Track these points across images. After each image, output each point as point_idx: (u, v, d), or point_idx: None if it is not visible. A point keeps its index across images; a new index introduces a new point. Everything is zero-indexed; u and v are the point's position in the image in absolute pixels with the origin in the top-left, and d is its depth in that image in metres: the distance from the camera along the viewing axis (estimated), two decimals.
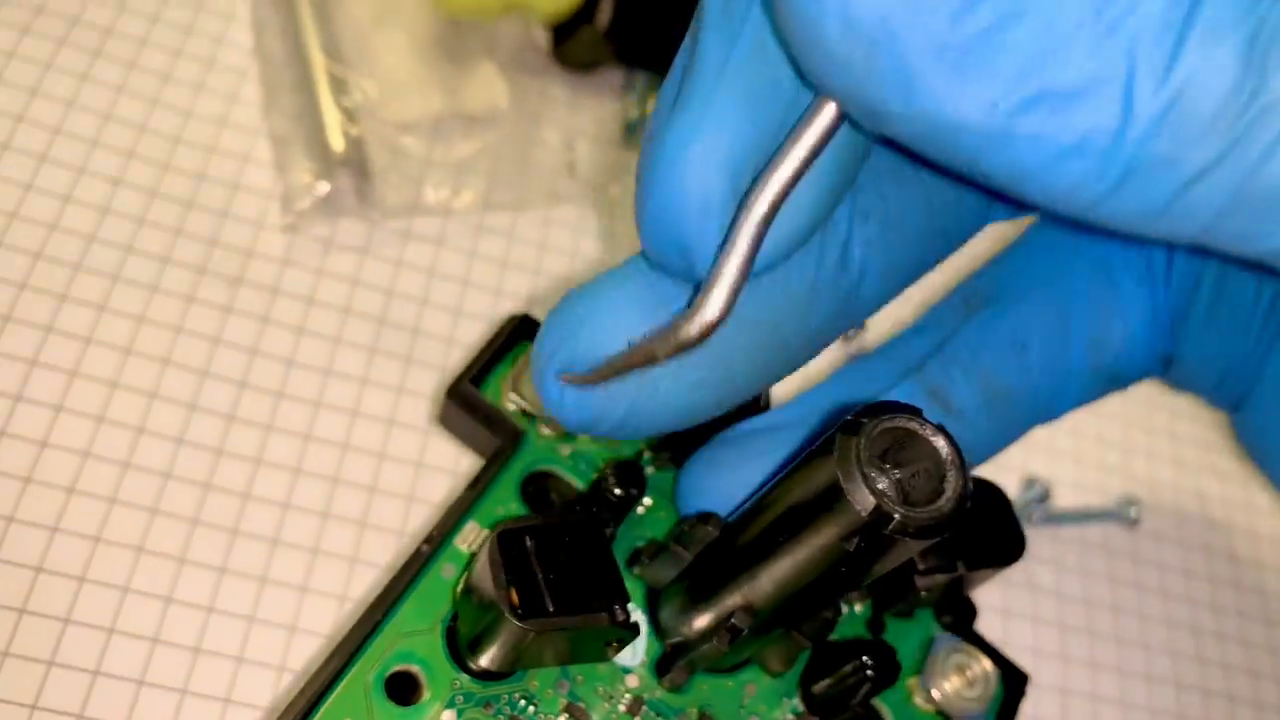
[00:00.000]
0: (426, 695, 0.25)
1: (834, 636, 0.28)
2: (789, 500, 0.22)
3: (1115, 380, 0.30)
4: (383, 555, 0.33)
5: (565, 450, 0.29)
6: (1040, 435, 0.43)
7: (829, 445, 0.20)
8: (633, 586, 0.28)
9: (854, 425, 0.20)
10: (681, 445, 0.30)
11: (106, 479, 0.32)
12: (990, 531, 0.29)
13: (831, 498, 0.20)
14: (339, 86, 0.38)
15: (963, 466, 0.20)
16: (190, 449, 0.33)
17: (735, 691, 0.28)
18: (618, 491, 0.28)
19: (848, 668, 0.27)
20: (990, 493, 0.29)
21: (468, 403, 0.30)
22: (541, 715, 0.26)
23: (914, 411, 0.20)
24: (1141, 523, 0.43)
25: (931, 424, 0.20)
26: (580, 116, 0.43)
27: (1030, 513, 0.41)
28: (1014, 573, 0.40)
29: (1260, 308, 0.26)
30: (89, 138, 0.37)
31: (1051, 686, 0.38)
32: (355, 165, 0.37)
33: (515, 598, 0.23)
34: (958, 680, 0.30)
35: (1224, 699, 0.40)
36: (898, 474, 0.20)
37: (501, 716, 0.26)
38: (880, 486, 0.20)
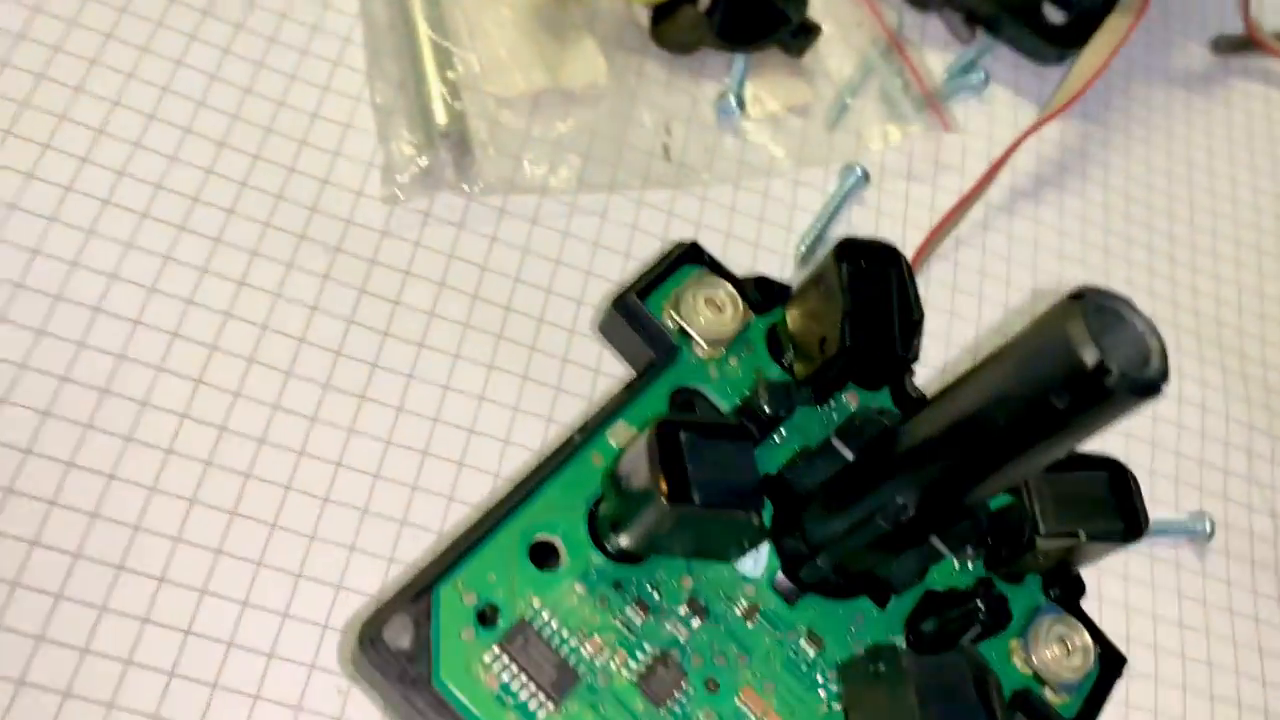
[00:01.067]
0: (564, 565, 0.27)
1: (942, 588, 0.31)
2: (995, 376, 0.24)
3: None
4: None
5: (714, 372, 0.31)
6: (1115, 446, 0.43)
7: (1045, 318, 0.22)
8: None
9: (1078, 294, 0.22)
10: (828, 388, 0.31)
11: (203, 441, 0.32)
12: (1114, 508, 0.30)
13: (1052, 354, 0.22)
14: (443, 59, 0.38)
15: (1164, 353, 0.22)
16: (284, 415, 0.34)
17: (844, 618, 0.30)
18: (767, 410, 0.29)
19: (958, 611, 0.29)
20: (1116, 470, 0.30)
21: (631, 313, 0.32)
22: (665, 604, 0.28)
23: (1127, 300, 0.22)
24: (1213, 539, 0.43)
25: (1140, 313, 0.22)
26: (677, 98, 0.43)
27: None
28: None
29: None
30: (195, 98, 0.37)
31: (1114, 700, 0.38)
32: (456, 138, 0.37)
33: (664, 483, 0.25)
34: (1058, 649, 0.31)
35: None
36: (1117, 351, 0.22)
37: (629, 596, 0.28)
38: (1109, 356, 0.21)
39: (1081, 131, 0.50)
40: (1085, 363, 0.21)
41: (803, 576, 0.29)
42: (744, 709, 0.28)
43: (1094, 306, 0.22)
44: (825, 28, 0.45)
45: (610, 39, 0.42)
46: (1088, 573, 0.40)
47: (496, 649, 0.26)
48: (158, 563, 0.31)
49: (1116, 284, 0.47)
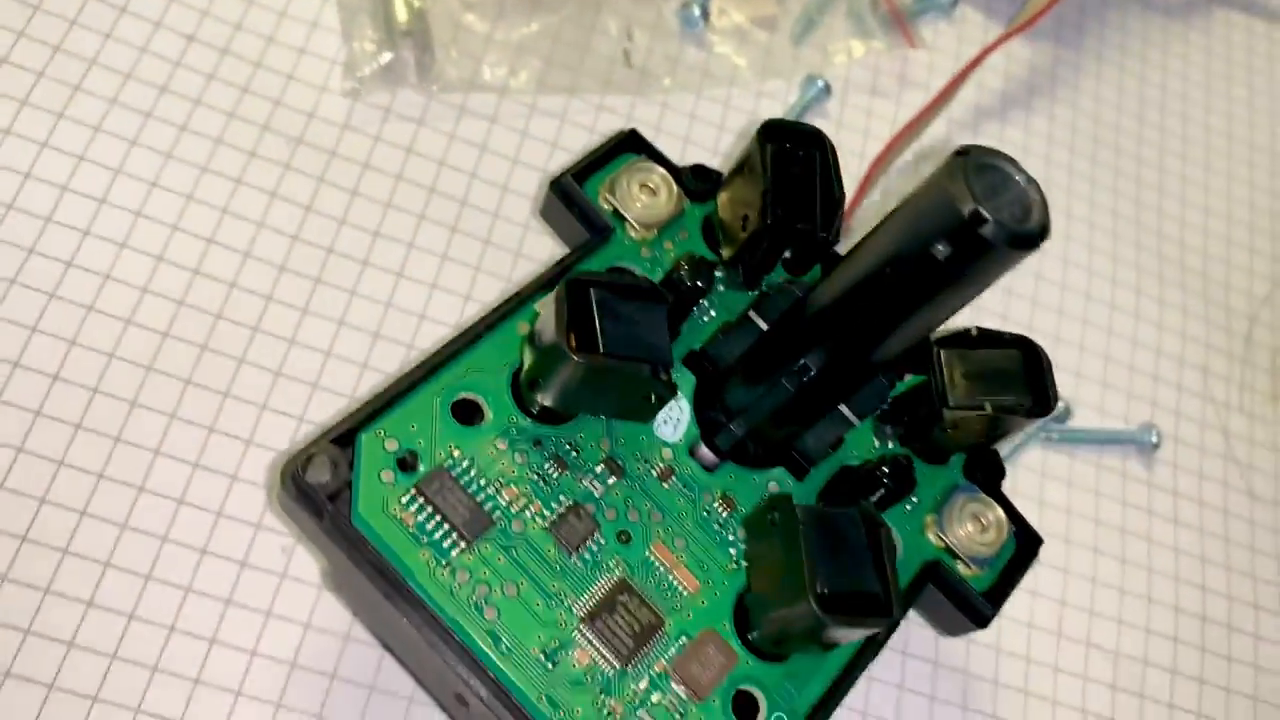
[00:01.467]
0: (486, 421, 0.29)
1: (859, 462, 0.31)
2: (890, 231, 0.24)
3: None
4: None
5: (646, 252, 0.32)
6: (1068, 358, 0.44)
7: (932, 175, 0.23)
8: (684, 381, 0.31)
9: (963, 151, 0.23)
10: (755, 270, 0.32)
11: (162, 315, 0.34)
12: (1023, 384, 0.30)
13: (934, 207, 0.22)
14: None
15: (1045, 209, 0.23)
16: (241, 293, 0.35)
17: (759, 486, 0.31)
18: (686, 281, 0.30)
19: (865, 475, 0.30)
20: (1029, 348, 0.31)
21: (566, 194, 0.32)
22: (583, 461, 0.29)
23: (1010, 159, 0.23)
24: (1161, 450, 0.43)
25: (1024, 171, 0.23)
26: (641, 6, 0.44)
27: (1050, 432, 0.42)
28: (1025, 484, 0.41)
29: None
30: None
31: (1050, 597, 0.40)
32: (418, 37, 0.39)
33: (571, 335, 0.26)
34: (971, 526, 0.32)
35: (1222, 627, 0.41)
36: (1000, 208, 0.22)
37: (547, 453, 0.29)
38: (987, 206, 0.22)
39: (1052, 53, 0.50)
40: (962, 212, 0.22)
41: (719, 444, 0.30)
42: (654, 560, 0.29)
43: (976, 163, 0.23)
44: None
45: None
46: (1031, 477, 0.42)
47: (414, 491, 0.27)
48: (114, 424, 0.32)
49: (1080, 205, 0.47)
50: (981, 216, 0.22)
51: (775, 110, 0.44)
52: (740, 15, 0.45)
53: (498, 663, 0.26)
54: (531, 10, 0.42)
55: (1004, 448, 0.42)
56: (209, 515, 0.32)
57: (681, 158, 0.42)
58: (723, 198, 0.33)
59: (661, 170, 0.33)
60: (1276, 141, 0.52)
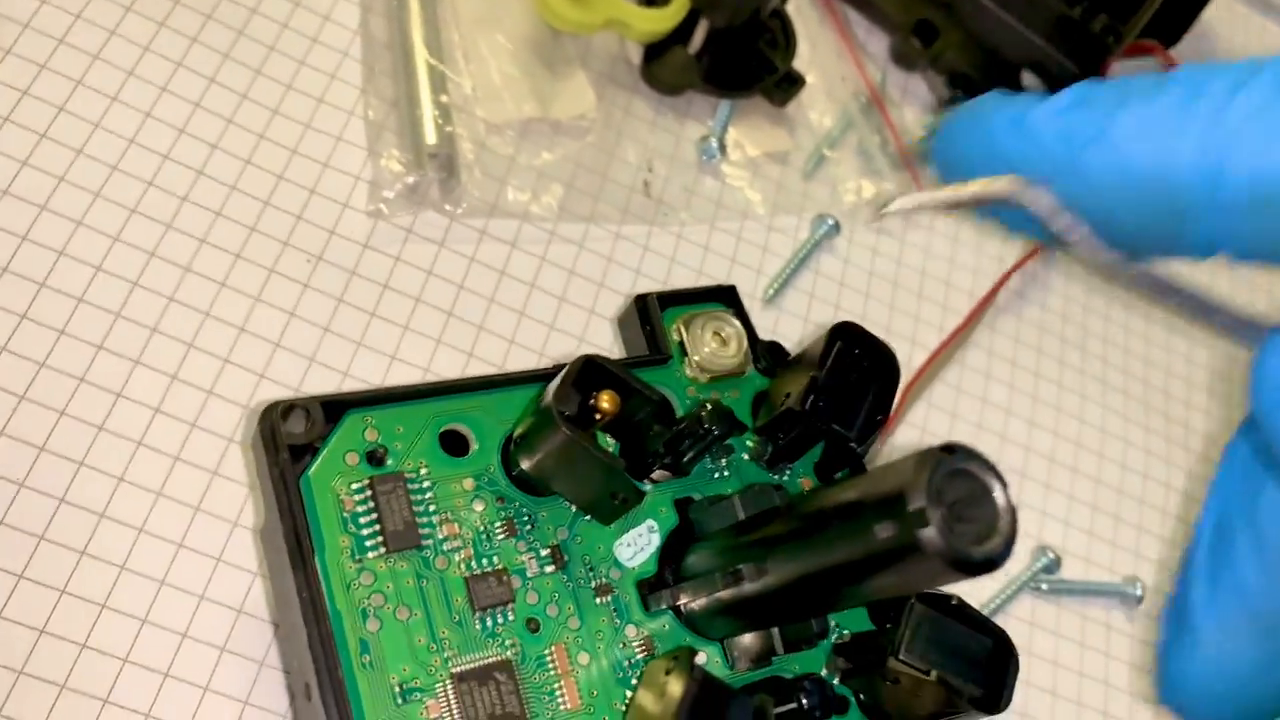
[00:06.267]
0: (467, 457, 0.29)
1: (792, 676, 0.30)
2: (855, 487, 0.24)
3: None
4: None
5: (692, 391, 0.33)
6: (1058, 507, 0.45)
7: (915, 456, 0.22)
8: (666, 518, 0.31)
9: (950, 448, 0.22)
10: (780, 453, 0.32)
11: (175, 437, 0.33)
12: (983, 673, 0.28)
13: (893, 494, 0.22)
14: (438, 81, 0.39)
15: (1009, 542, 0.21)
16: (255, 415, 0.34)
17: (686, 647, 0.30)
18: (704, 424, 0.29)
19: (789, 683, 0.29)
20: (1003, 644, 0.29)
21: (645, 312, 0.33)
22: (533, 537, 0.29)
23: (1002, 480, 0.22)
24: (1144, 604, 0.44)
25: (1009, 497, 0.22)
26: (661, 137, 0.44)
27: (1039, 582, 0.43)
28: (1015, 633, 0.41)
29: None
30: (193, 100, 0.38)
31: None
32: (444, 160, 0.39)
33: (568, 408, 0.26)
34: None
35: None
36: (956, 520, 0.21)
37: (504, 515, 0.29)
38: (936, 510, 0.21)
39: None
40: (908, 504, 0.21)
41: (652, 601, 0.29)
42: (549, 661, 0.28)
43: (956, 467, 0.22)
44: (810, 79, 0.46)
45: (602, 74, 0.44)
46: (1021, 627, 0.42)
47: (367, 482, 0.27)
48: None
49: (1072, 353, 0.48)
50: (924, 518, 0.21)
51: (785, 245, 0.45)
52: (755, 149, 0.45)
53: (354, 671, 0.26)
54: (554, 136, 0.42)
55: (995, 597, 0.43)
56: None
57: (695, 283, 0.42)
58: (778, 379, 0.33)
59: (740, 327, 0.33)
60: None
